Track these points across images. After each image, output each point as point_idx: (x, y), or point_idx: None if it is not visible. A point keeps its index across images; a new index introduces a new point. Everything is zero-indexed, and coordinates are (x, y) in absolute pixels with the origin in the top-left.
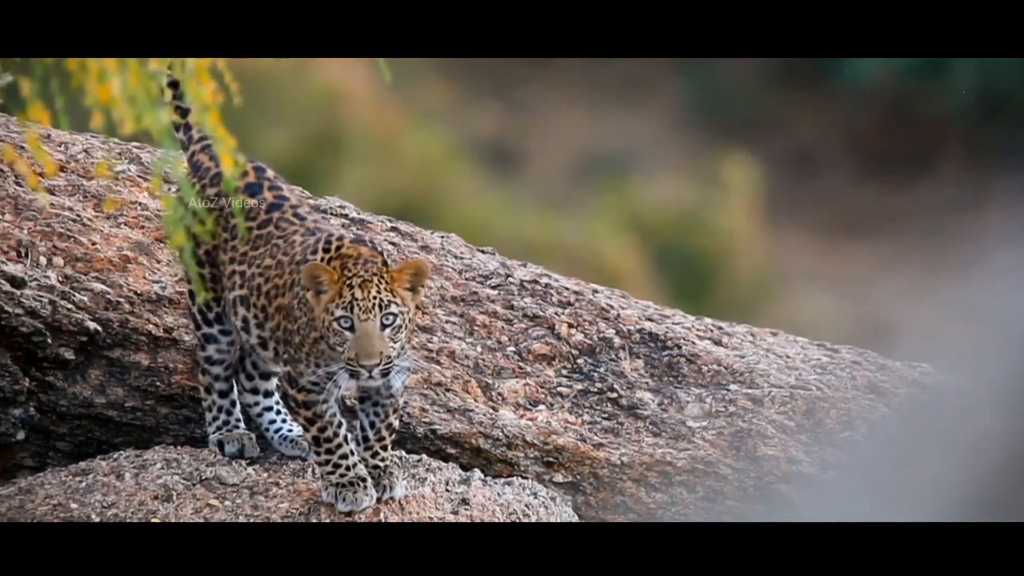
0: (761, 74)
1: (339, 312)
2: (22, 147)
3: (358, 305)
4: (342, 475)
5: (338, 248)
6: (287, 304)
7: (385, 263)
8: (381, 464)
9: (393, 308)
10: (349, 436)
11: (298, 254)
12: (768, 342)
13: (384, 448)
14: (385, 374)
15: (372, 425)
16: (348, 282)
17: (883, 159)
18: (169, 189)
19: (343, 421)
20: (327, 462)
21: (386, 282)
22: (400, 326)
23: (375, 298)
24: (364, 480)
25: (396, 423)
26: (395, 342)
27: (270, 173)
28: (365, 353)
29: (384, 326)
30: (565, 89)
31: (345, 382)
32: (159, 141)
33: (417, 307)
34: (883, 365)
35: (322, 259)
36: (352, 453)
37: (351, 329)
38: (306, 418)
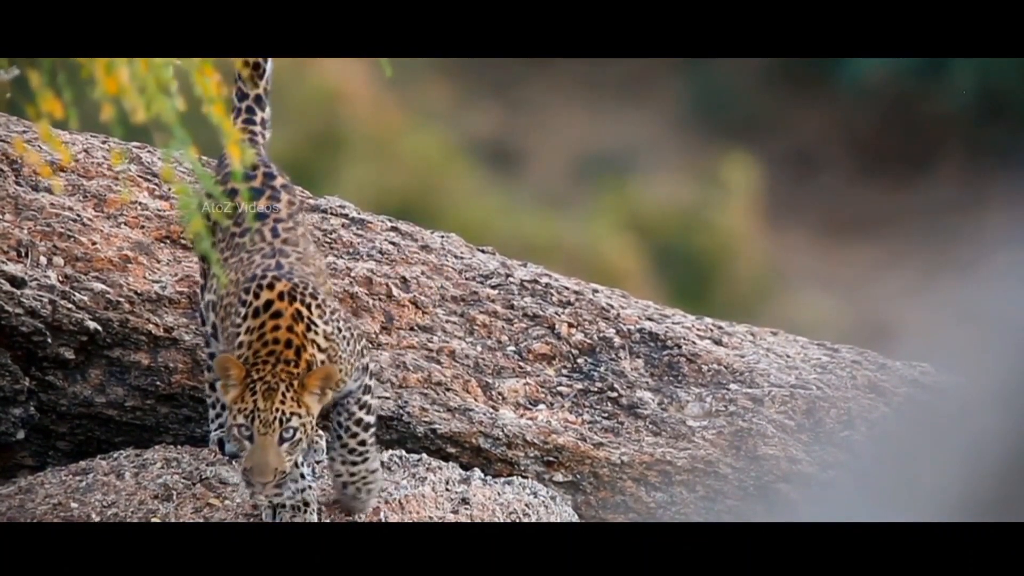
0: (761, 74)
1: (240, 419)
2: (27, 143)
3: (259, 417)
4: (288, 497)
5: (266, 304)
6: (228, 329)
7: (300, 350)
8: (359, 460)
9: (294, 421)
10: (300, 459)
11: (243, 281)
12: (768, 342)
13: (362, 444)
14: (278, 486)
15: (340, 424)
16: (252, 387)
17: (883, 159)
18: (170, 189)
19: None
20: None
21: (293, 390)
22: (299, 440)
23: (277, 411)
24: (307, 505)
25: (368, 417)
26: (291, 455)
27: (278, 182)
28: (259, 471)
29: (283, 440)
30: (565, 89)
31: (244, 489)
32: (170, 129)
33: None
34: (883, 365)
35: (249, 302)
36: (302, 476)
37: (250, 439)
38: None
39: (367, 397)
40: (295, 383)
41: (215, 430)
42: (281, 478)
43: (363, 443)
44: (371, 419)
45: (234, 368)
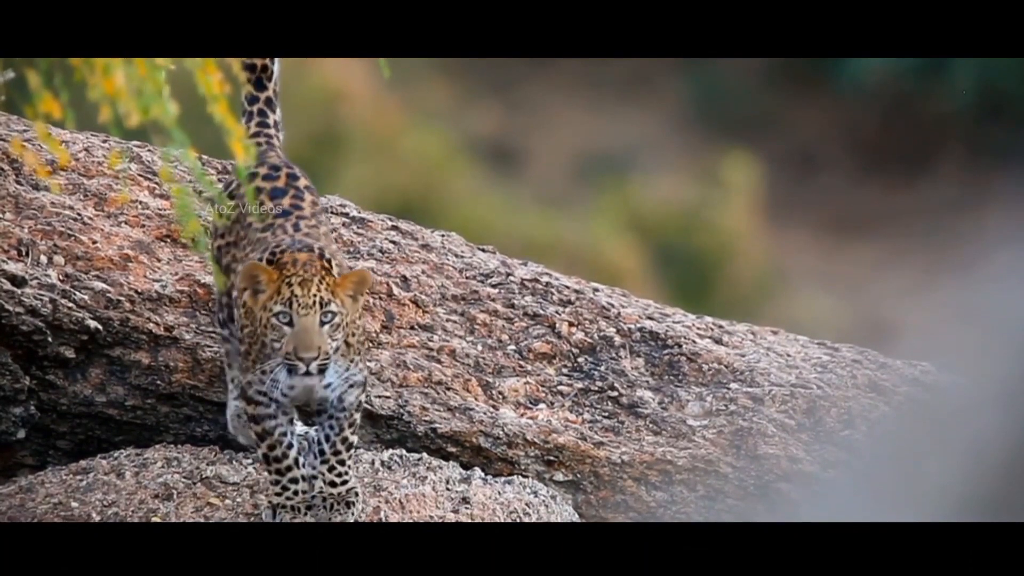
0: (761, 74)
1: (278, 308)
2: (24, 143)
3: (297, 301)
4: (288, 498)
5: (280, 258)
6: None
7: (327, 267)
8: (337, 480)
9: (333, 307)
10: (301, 460)
11: (257, 257)
12: (768, 341)
13: (341, 463)
14: (322, 370)
15: (327, 438)
16: (287, 280)
17: (883, 159)
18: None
19: (293, 443)
20: (277, 482)
21: (327, 283)
22: (339, 324)
23: (315, 295)
24: (309, 509)
25: (354, 439)
26: (333, 340)
27: (301, 183)
28: (304, 346)
29: (323, 323)
30: (565, 89)
31: (284, 379)
32: (168, 132)
33: (358, 318)
34: (883, 364)
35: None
36: (302, 478)
37: (290, 324)
38: (256, 433)
39: (357, 416)
40: (328, 279)
41: (235, 399)
42: (325, 359)
43: (343, 462)
44: (355, 439)
45: (264, 273)
